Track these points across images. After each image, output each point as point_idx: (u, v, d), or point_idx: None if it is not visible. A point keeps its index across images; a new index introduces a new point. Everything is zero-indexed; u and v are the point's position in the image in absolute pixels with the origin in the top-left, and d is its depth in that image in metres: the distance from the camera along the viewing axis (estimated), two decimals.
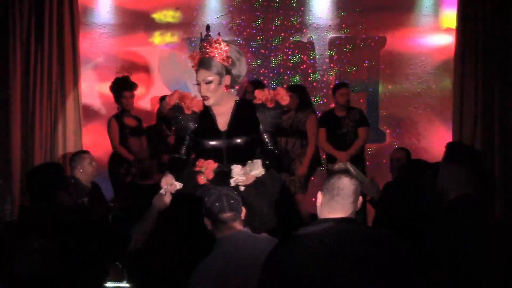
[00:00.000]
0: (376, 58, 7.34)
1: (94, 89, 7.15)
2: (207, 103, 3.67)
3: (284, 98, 3.69)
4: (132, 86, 6.49)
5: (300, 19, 7.31)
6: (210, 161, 3.61)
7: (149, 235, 4.78)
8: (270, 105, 3.66)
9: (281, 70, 7.33)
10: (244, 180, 3.50)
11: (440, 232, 2.89)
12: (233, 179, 3.50)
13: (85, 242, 3.09)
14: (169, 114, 6.48)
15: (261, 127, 3.67)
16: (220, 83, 3.65)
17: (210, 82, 3.62)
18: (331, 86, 7.18)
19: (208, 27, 3.80)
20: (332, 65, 7.34)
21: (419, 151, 6.92)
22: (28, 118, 6.54)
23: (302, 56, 7.33)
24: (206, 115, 3.73)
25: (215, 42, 3.65)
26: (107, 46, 7.19)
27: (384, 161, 6.91)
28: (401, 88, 7.33)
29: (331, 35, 7.32)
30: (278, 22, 7.31)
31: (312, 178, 6.60)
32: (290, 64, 7.33)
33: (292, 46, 7.34)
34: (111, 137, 6.39)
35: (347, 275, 2.38)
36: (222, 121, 3.69)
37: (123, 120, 6.40)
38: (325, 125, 6.42)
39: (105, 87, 6.74)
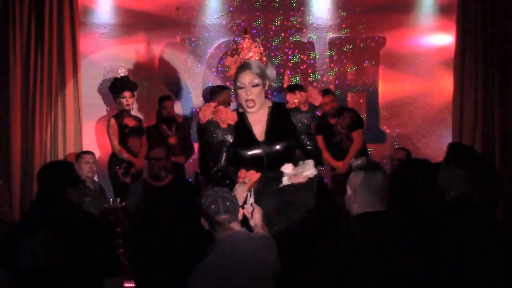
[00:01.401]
0: (376, 58, 7.33)
1: (94, 89, 7.14)
2: (252, 109, 3.57)
3: (317, 98, 3.65)
4: (132, 86, 6.50)
5: (300, 19, 7.31)
6: (253, 172, 3.56)
7: (153, 235, 4.80)
8: (304, 108, 3.62)
9: (281, 70, 7.32)
10: (296, 179, 3.46)
11: (438, 232, 2.90)
12: (286, 177, 3.46)
13: (88, 236, 3.12)
14: (168, 113, 6.52)
15: (297, 130, 3.63)
16: (264, 86, 3.61)
17: (257, 85, 3.55)
18: (331, 86, 7.18)
19: (245, 30, 3.77)
20: (332, 65, 7.33)
21: (419, 151, 6.93)
22: (28, 118, 6.54)
23: (302, 56, 7.33)
24: (241, 125, 3.64)
25: (256, 46, 3.63)
26: (107, 46, 7.19)
27: (384, 161, 6.92)
28: (401, 88, 7.32)
29: (331, 35, 7.32)
30: (278, 22, 7.30)
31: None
32: (290, 64, 7.33)
33: (292, 46, 7.33)
34: (110, 137, 6.39)
35: (395, 265, 2.49)
36: (259, 130, 3.62)
37: (122, 120, 6.40)
38: (321, 133, 6.36)
39: (106, 87, 6.75)
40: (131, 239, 5.17)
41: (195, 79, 7.28)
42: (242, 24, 7.24)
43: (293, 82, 7.23)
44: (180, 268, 3.98)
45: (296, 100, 3.63)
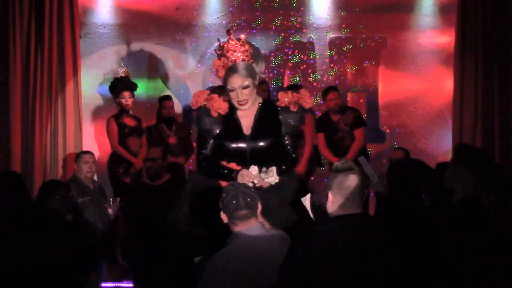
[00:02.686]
0: (376, 58, 7.34)
1: (94, 89, 7.15)
2: (244, 107, 3.61)
3: (308, 101, 3.66)
4: (132, 86, 6.50)
5: (300, 19, 7.31)
6: (233, 165, 3.60)
7: (151, 235, 4.81)
8: (293, 108, 3.64)
9: (281, 70, 7.33)
10: (258, 183, 3.47)
11: (444, 232, 2.91)
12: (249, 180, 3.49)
13: (66, 234, 3.18)
14: (168, 113, 6.53)
15: (282, 129, 3.66)
16: (254, 85, 3.63)
17: (247, 86, 3.57)
18: None
19: (229, 31, 3.77)
20: (332, 65, 7.34)
21: (419, 151, 6.92)
22: (28, 118, 6.53)
23: (302, 56, 7.33)
24: (230, 118, 3.67)
25: (241, 45, 3.63)
26: (107, 46, 7.19)
27: (384, 161, 6.92)
28: (401, 88, 7.32)
29: (331, 35, 7.32)
30: (278, 22, 7.31)
31: (312, 178, 6.61)
32: (290, 64, 7.33)
33: (292, 46, 7.34)
34: (110, 137, 6.40)
35: (365, 269, 2.49)
36: (246, 124, 3.66)
37: (122, 120, 6.40)
38: (322, 130, 6.38)
39: (106, 87, 6.75)
40: (130, 239, 5.16)
41: (195, 79, 7.28)
42: (242, 24, 7.25)
43: (293, 82, 7.23)
44: (178, 268, 3.97)
45: (286, 100, 3.65)
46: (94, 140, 7.08)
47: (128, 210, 5.28)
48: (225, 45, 3.67)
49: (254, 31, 7.27)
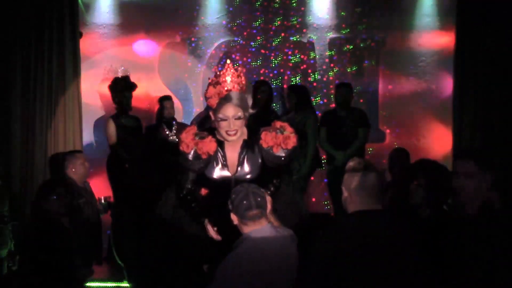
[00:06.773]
0: (376, 58, 7.34)
1: (94, 89, 7.16)
2: (232, 138, 3.57)
3: (289, 142, 3.58)
4: (132, 86, 6.51)
5: (300, 19, 7.32)
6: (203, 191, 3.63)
7: (149, 237, 4.81)
8: (276, 150, 3.58)
9: (281, 70, 7.33)
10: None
11: (450, 233, 2.94)
12: None
13: None
14: (168, 113, 6.54)
15: (266, 164, 3.63)
16: (245, 118, 3.60)
17: (239, 117, 3.54)
18: (331, 86, 7.19)
19: (229, 57, 3.73)
20: (332, 65, 7.34)
21: (419, 151, 6.92)
22: (28, 118, 6.54)
23: (302, 56, 7.33)
24: (216, 155, 3.65)
25: (239, 76, 3.59)
26: (107, 46, 7.20)
27: (384, 161, 6.91)
28: (401, 88, 7.32)
29: (331, 35, 7.32)
30: (278, 22, 7.31)
31: (312, 178, 6.61)
32: (290, 64, 7.33)
33: (292, 46, 7.34)
34: (108, 137, 6.40)
35: (387, 262, 2.58)
36: (232, 160, 3.65)
37: (121, 120, 6.40)
38: (326, 124, 6.41)
39: (105, 87, 6.75)
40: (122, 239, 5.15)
41: (195, 79, 7.28)
42: (242, 24, 7.26)
43: (293, 82, 7.24)
44: (175, 270, 3.98)
45: (270, 141, 3.59)
46: (93, 140, 7.09)
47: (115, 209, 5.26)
48: (221, 72, 3.62)
49: (254, 31, 7.28)
